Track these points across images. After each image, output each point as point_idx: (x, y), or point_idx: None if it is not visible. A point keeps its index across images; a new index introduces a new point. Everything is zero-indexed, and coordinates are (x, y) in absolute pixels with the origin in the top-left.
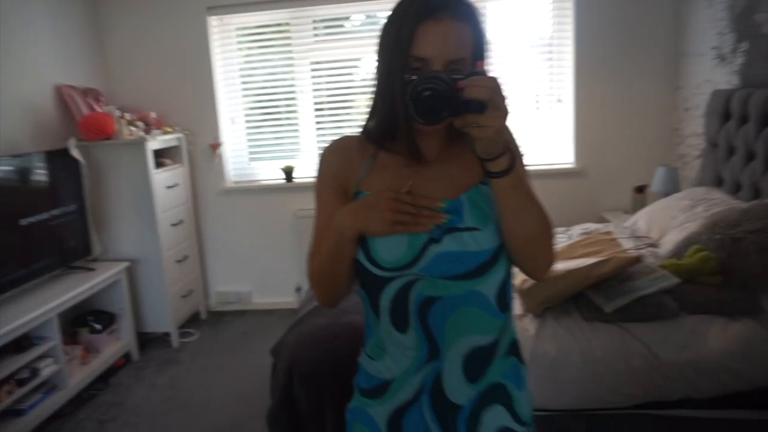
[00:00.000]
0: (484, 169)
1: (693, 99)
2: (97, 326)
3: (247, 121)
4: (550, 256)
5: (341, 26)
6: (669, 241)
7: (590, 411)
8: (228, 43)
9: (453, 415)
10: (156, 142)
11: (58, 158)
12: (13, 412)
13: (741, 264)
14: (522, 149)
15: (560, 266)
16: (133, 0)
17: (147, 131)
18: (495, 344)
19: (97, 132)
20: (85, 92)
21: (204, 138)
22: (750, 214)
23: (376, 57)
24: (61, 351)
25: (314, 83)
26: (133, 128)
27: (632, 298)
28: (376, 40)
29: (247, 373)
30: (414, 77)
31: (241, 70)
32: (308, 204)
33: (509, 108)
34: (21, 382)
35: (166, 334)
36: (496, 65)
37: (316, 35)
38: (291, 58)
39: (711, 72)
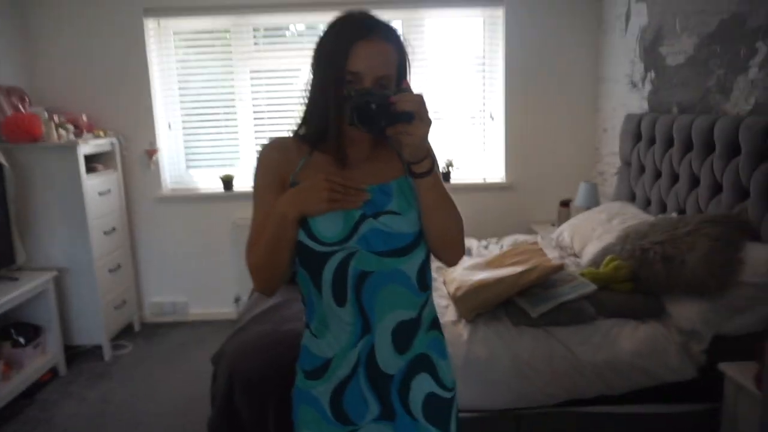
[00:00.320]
0: (409, 171)
1: (610, 120)
2: (21, 339)
3: (185, 128)
4: (461, 248)
5: (282, 35)
6: (588, 252)
7: (518, 410)
8: (165, 47)
9: (386, 384)
10: (87, 146)
11: None
12: None
13: (648, 272)
14: (450, 161)
15: (491, 274)
16: None
17: (78, 135)
18: (418, 319)
19: (23, 133)
20: (9, 91)
21: (139, 143)
22: (656, 227)
23: (310, 70)
24: None
25: (253, 91)
26: (62, 131)
27: (555, 303)
28: (311, 55)
29: (184, 384)
30: (353, 93)
31: (179, 75)
32: (247, 213)
33: (432, 120)
34: None
35: (98, 347)
36: (432, 80)
37: (256, 43)
38: (230, 65)
39: (625, 97)
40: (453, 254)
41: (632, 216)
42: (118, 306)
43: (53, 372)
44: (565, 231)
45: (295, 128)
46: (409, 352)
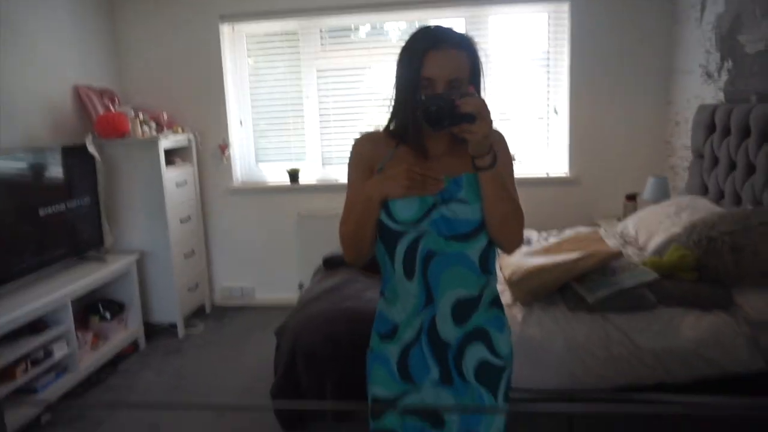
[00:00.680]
0: (473, 165)
1: (683, 113)
2: (107, 315)
3: (255, 125)
4: (519, 237)
5: (347, 35)
6: (653, 243)
7: (571, 392)
8: (238, 50)
9: (444, 351)
10: (167, 141)
11: (75, 154)
12: (28, 390)
13: (715, 261)
14: (515, 156)
15: (548, 260)
16: (149, 6)
17: (159, 131)
18: (479, 298)
19: (113, 130)
20: (102, 93)
21: (213, 139)
22: (726, 217)
23: (395, 75)
24: (74, 335)
25: (320, 89)
26: (146, 128)
27: (614, 290)
28: (396, 60)
29: (250, 362)
30: (424, 97)
31: (250, 75)
32: (312, 205)
33: (492, 120)
34: (35, 362)
35: (173, 325)
36: (496, 77)
37: (322, 44)
38: (298, 65)
39: (699, 88)
40: (511, 243)
41: (703, 208)
42: (192, 288)
43: (134, 345)
44: (630, 224)
45: (386, 121)
46: (467, 324)
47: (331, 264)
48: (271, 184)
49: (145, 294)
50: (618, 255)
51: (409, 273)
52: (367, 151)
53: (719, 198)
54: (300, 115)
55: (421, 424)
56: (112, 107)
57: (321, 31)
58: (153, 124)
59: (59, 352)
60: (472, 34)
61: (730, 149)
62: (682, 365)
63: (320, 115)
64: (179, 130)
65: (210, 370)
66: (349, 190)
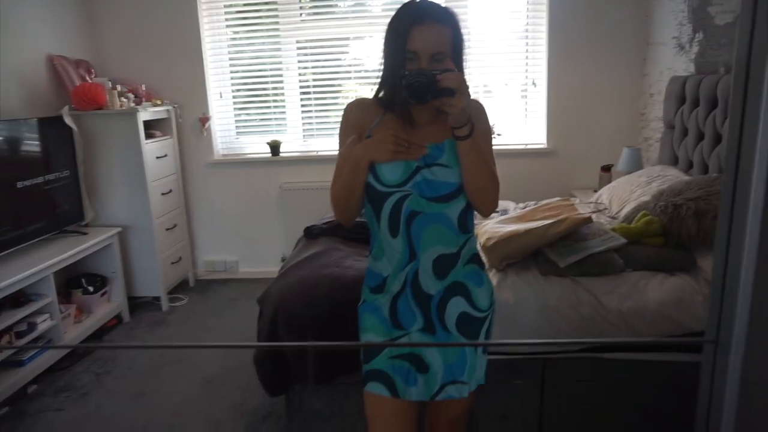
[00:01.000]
0: (453, 134)
1: (657, 85)
2: (90, 288)
3: (235, 97)
4: (494, 201)
5: (329, 6)
6: (624, 212)
7: (544, 354)
8: (216, 21)
9: (427, 302)
10: (146, 113)
11: (52, 126)
12: (14, 363)
13: (679, 227)
14: (494, 127)
15: (521, 227)
16: None
17: (137, 103)
18: (457, 255)
19: (89, 102)
20: (77, 63)
21: (192, 112)
22: (691, 184)
23: (383, 47)
24: (57, 308)
25: (299, 60)
26: (123, 99)
27: (584, 254)
28: (383, 35)
29: (234, 333)
30: (407, 72)
31: (229, 47)
32: (293, 177)
33: (470, 94)
34: (19, 335)
35: (156, 299)
36: (478, 51)
37: (302, 15)
38: (278, 36)
39: (672, 60)
40: (486, 206)
41: (673, 178)
42: (175, 262)
43: (118, 318)
44: (604, 194)
45: (375, 90)
46: (447, 279)
47: (311, 234)
48: (252, 156)
49: (127, 268)
50: (588, 221)
51: (393, 231)
52: (356, 117)
53: (688, 168)
54: (280, 87)
55: (409, 366)
56: (88, 78)
57: (300, 1)
58: (131, 96)
59: (43, 324)
60: (453, 7)
61: (698, 120)
62: (646, 324)
63: (300, 86)
64: (158, 102)
65: (195, 340)
66: (340, 154)
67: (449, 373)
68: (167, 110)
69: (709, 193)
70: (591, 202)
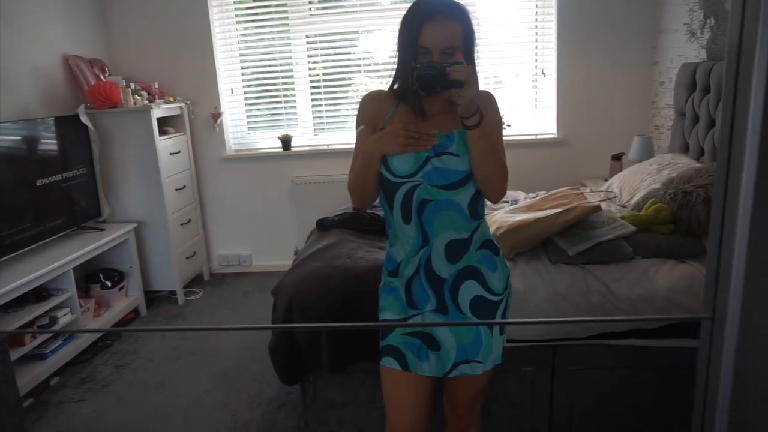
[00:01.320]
0: (462, 124)
1: (667, 73)
2: (108, 283)
3: (246, 92)
4: (502, 189)
5: (337, 0)
6: (635, 200)
7: (554, 341)
8: (227, 18)
9: (440, 285)
10: (160, 110)
11: (68, 124)
12: (37, 356)
13: (689, 213)
14: (504, 118)
15: (530, 216)
16: None
17: (151, 100)
18: (469, 239)
19: (104, 100)
20: (92, 62)
21: (205, 108)
22: (701, 171)
23: (396, 42)
24: (77, 302)
25: (309, 55)
26: (137, 97)
27: (593, 242)
28: (397, 29)
29: (248, 324)
30: (418, 65)
31: (240, 42)
32: (305, 171)
33: (478, 86)
34: (42, 329)
35: (172, 293)
36: (489, 43)
37: (311, 9)
38: (288, 32)
39: (683, 47)
40: (495, 193)
41: (684, 165)
42: (190, 256)
43: (135, 312)
44: (615, 182)
45: (390, 82)
46: (459, 263)
47: (324, 226)
48: (263, 151)
49: (144, 262)
50: (597, 209)
51: (406, 218)
52: (371, 108)
53: (700, 155)
54: (291, 82)
55: (420, 343)
56: (102, 77)
57: None
58: (144, 94)
59: (64, 318)
60: (464, 0)
61: (709, 107)
62: (655, 311)
63: (310, 81)
64: (171, 99)
65: (212, 332)
66: (356, 143)
67: (462, 352)
68: (180, 107)
69: None
70: (601, 191)
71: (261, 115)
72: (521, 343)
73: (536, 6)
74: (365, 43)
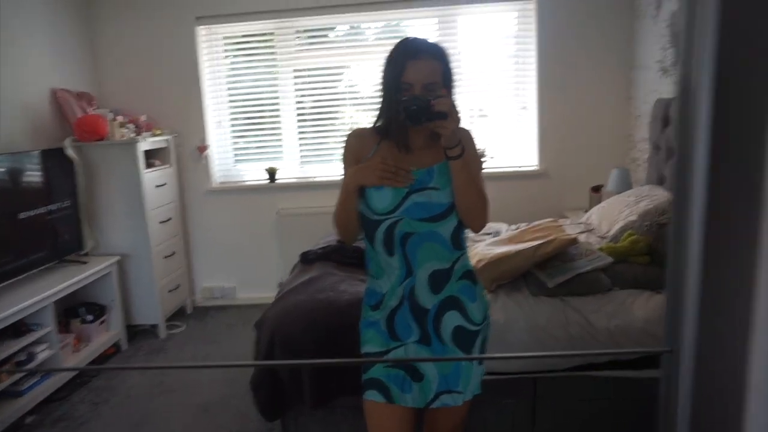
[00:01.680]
0: (445, 155)
1: (642, 107)
2: (89, 317)
3: (233, 125)
4: (483, 219)
5: (324, 36)
6: (613, 231)
7: (534, 373)
8: (215, 51)
9: (423, 315)
10: (146, 143)
11: (54, 157)
12: (12, 393)
13: (664, 245)
14: (484, 152)
15: (510, 248)
16: (125, 10)
17: (138, 133)
18: (450, 269)
19: (91, 133)
20: (79, 96)
21: (191, 140)
22: None
23: (380, 80)
24: (56, 337)
25: (297, 89)
26: (124, 130)
27: (572, 274)
28: (381, 67)
29: (231, 359)
30: (404, 98)
31: (228, 76)
32: (291, 203)
33: (460, 118)
34: (19, 365)
35: (154, 326)
36: (470, 76)
37: (299, 44)
38: (275, 66)
39: (656, 83)
40: (477, 223)
41: (660, 197)
42: (173, 289)
43: (116, 347)
44: (594, 214)
45: (374, 120)
46: (442, 293)
47: (307, 259)
48: (249, 183)
49: (126, 296)
50: (574, 242)
51: (389, 252)
52: (354, 145)
53: None
54: (277, 114)
55: (404, 374)
56: (89, 110)
57: (297, 31)
58: (131, 127)
59: (42, 354)
60: (444, 33)
61: None
62: (632, 342)
63: (297, 114)
64: (158, 132)
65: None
66: (343, 180)
67: (444, 382)
68: (167, 140)
69: None
70: (581, 223)
71: (247, 148)
72: (501, 375)
73: (516, 42)
74: (351, 76)
